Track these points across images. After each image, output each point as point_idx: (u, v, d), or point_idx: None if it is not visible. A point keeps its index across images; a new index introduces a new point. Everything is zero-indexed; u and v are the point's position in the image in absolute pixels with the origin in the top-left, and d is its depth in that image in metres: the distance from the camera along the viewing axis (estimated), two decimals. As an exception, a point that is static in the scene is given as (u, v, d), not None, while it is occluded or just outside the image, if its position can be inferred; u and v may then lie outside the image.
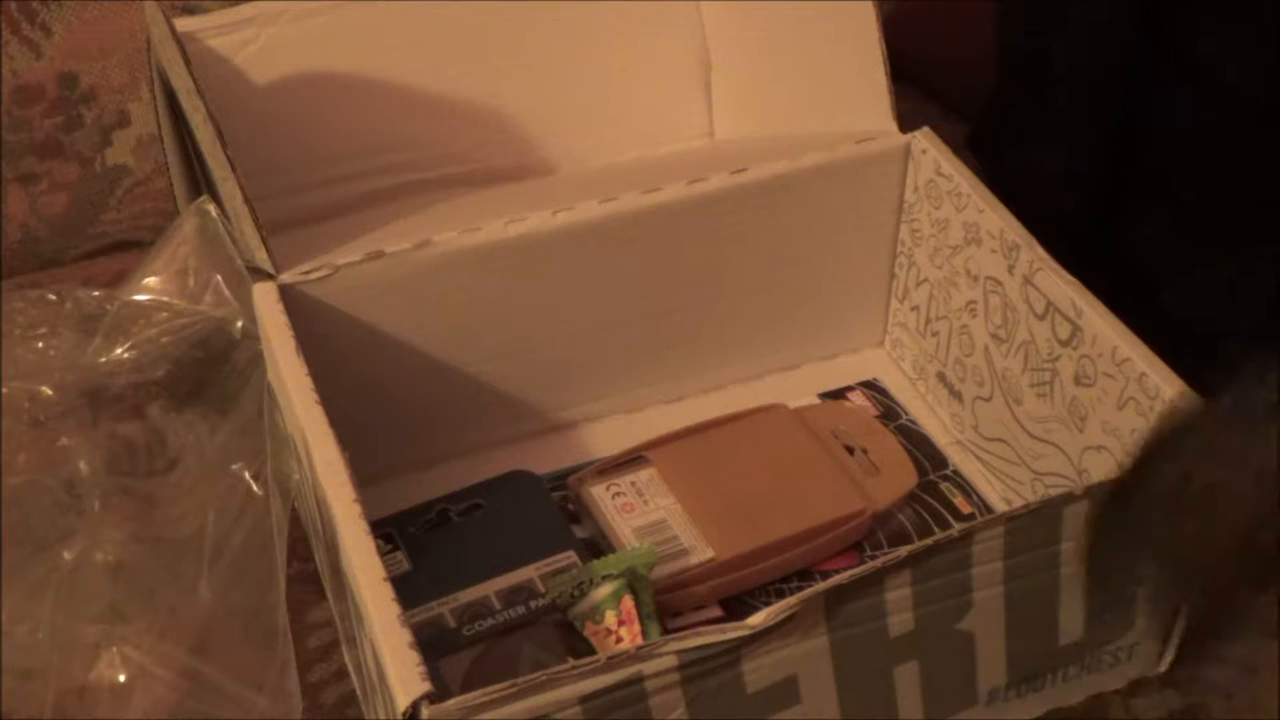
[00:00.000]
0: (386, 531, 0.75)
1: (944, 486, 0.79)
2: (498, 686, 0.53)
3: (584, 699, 0.55)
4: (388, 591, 0.56)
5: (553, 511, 0.76)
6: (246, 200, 0.69)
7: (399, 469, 0.79)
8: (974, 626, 0.63)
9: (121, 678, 0.61)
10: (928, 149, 0.79)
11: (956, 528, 0.60)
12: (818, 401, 0.84)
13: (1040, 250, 0.73)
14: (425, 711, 0.52)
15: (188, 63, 0.69)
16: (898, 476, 0.79)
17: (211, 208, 0.72)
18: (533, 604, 0.70)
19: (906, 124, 0.80)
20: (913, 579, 0.60)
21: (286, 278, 0.71)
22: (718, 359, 0.84)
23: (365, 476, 0.62)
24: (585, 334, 0.80)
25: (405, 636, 0.55)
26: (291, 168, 0.84)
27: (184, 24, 0.79)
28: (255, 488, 0.65)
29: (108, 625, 0.62)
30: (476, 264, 0.75)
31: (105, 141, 0.93)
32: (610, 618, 0.68)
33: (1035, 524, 0.61)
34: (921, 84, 0.96)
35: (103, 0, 0.90)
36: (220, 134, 0.69)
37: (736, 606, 0.72)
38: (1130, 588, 0.64)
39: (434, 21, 0.85)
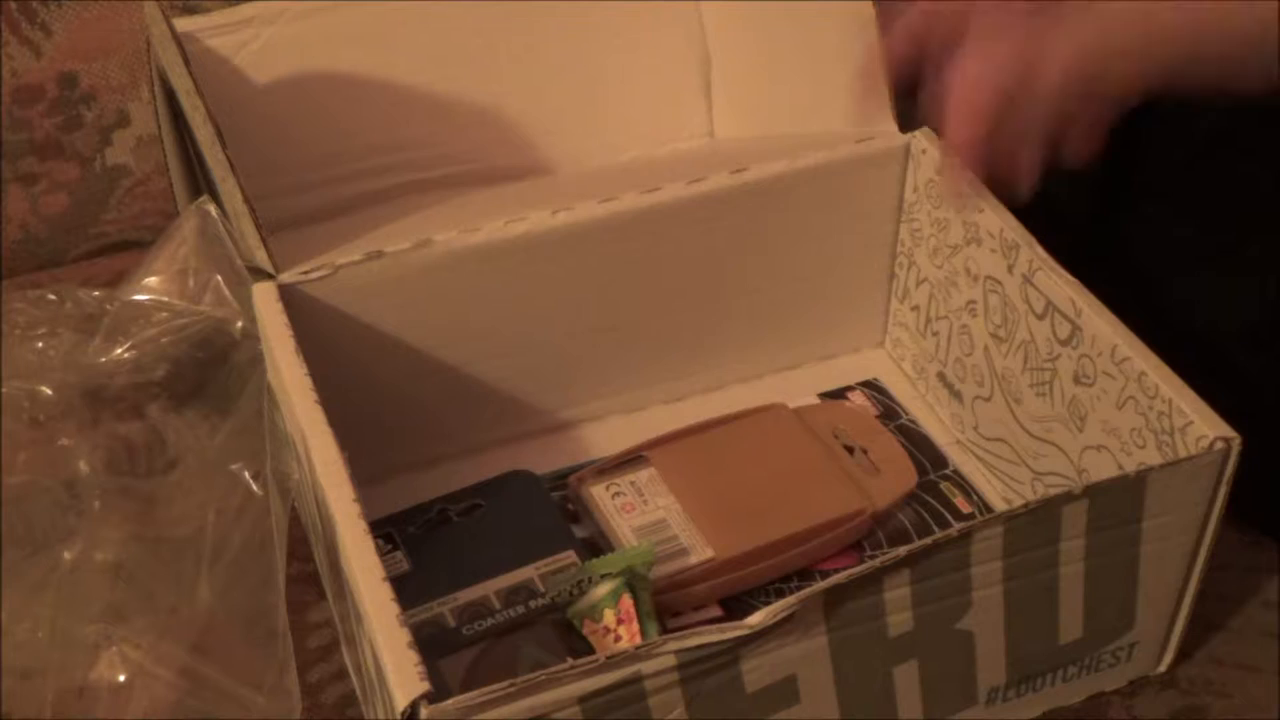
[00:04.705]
0: (386, 531, 0.75)
1: (944, 486, 0.79)
2: (497, 686, 0.53)
3: (583, 698, 0.55)
4: (387, 591, 0.56)
5: (553, 511, 0.76)
6: (246, 200, 0.69)
7: (399, 469, 0.79)
8: (973, 626, 0.63)
9: (121, 678, 0.61)
10: (928, 149, 0.79)
11: (956, 527, 0.60)
12: (818, 401, 0.84)
13: (1040, 250, 0.73)
14: (424, 711, 0.52)
15: (187, 63, 0.69)
16: (898, 476, 0.79)
17: (211, 208, 0.72)
18: (532, 604, 0.70)
19: (906, 124, 0.80)
20: (912, 578, 0.60)
21: (286, 278, 0.71)
22: (718, 359, 0.84)
23: (365, 476, 0.62)
24: (585, 334, 0.80)
25: (404, 636, 0.55)
26: (291, 168, 0.84)
27: (184, 24, 0.79)
28: (255, 488, 0.65)
29: (108, 625, 0.62)
30: (476, 264, 0.75)
31: (105, 141, 0.93)
32: (609, 616, 0.68)
33: (1034, 523, 0.61)
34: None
35: (103, 0, 0.90)
36: (220, 134, 0.69)
37: (736, 606, 0.72)
38: None
39: (434, 21, 0.85)
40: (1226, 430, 0.64)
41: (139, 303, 0.72)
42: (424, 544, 0.74)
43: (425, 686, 0.53)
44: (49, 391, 0.68)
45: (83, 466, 0.67)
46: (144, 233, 0.95)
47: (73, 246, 0.96)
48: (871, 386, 0.85)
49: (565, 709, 0.55)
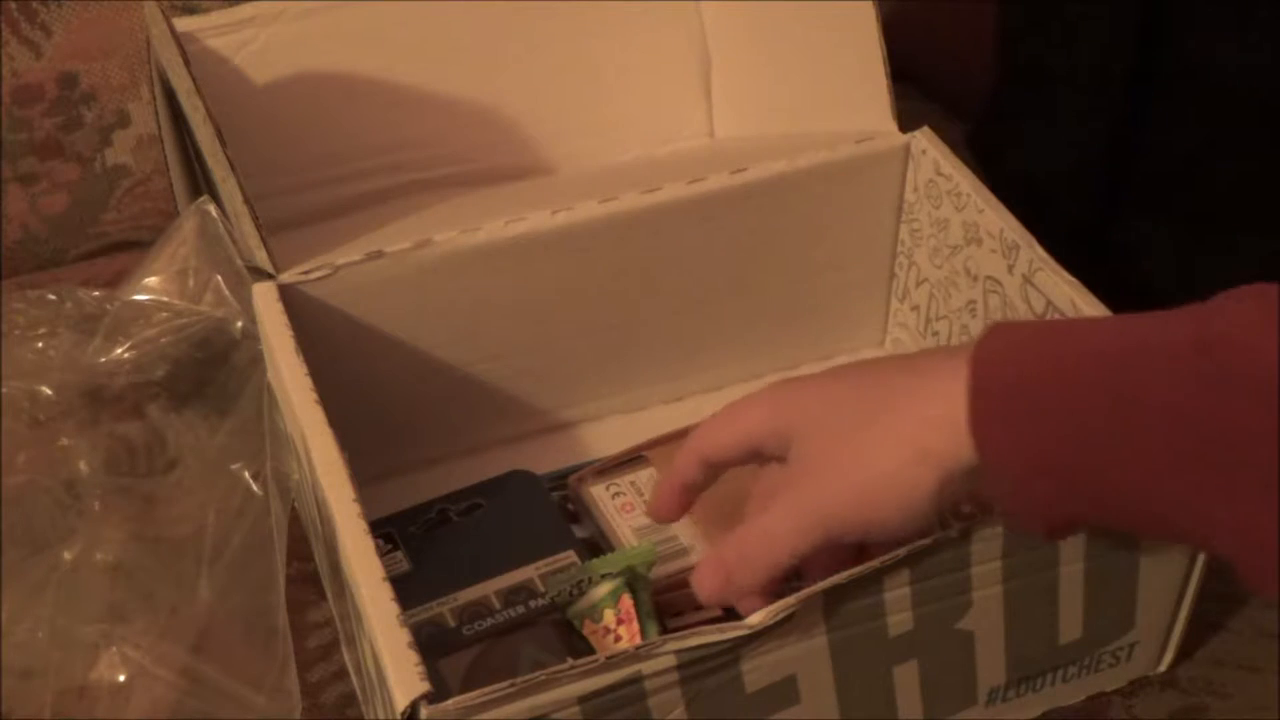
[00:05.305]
0: (386, 531, 0.75)
1: (944, 486, 0.79)
2: (497, 686, 0.53)
3: (583, 699, 0.55)
4: (387, 591, 0.56)
5: (553, 511, 0.76)
6: (246, 200, 0.69)
7: (399, 469, 0.79)
8: (973, 626, 0.63)
9: (121, 678, 0.61)
10: (928, 149, 0.79)
11: (956, 527, 0.60)
12: (818, 401, 0.84)
13: (1040, 250, 0.73)
14: (424, 711, 0.52)
15: (187, 63, 0.69)
16: (898, 476, 0.78)
17: (211, 208, 0.73)
18: (532, 604, 0.70)
19: (906, 124, 0.80)
20: (912, 578, 0.60)
21: (286, 278, 0.71)
22: (718, 359, 0.84)
23: (365, 476, 0.62)
24: (585, 334, 0.80)
25: (404, 636, 0.55)
26: (291, 168, 0.84)
27: (184, 24, 0.79)
28: (255, 488, 0.65)
29: (108, 625, 0.62)
30: (476, 264, 0.75)
31: (105, 141, 0.93)
32: (609, 617, 0.68)
33: (1035, 524, 0.61)
34: (921, 84, 0.96)
35: (103, 0, 0.90)
36: (220, 134, 0.69)
37: (736, 606, 0.72)
38: None
39: (434, 21, 0.85)
40: (1226, 430, 0.64)
41: (139, 303, 0.72)
42: (424, 544, 0.74)
43: (425, 686, 0.53)
44: (49, 391, 0.69)
45: (83, 466, 0.67)
46: (144, 233, 0.95)
47: (73, 246, 0.96)
48: (871, 386, 0.85)
49: (565, 709, 0.55)
